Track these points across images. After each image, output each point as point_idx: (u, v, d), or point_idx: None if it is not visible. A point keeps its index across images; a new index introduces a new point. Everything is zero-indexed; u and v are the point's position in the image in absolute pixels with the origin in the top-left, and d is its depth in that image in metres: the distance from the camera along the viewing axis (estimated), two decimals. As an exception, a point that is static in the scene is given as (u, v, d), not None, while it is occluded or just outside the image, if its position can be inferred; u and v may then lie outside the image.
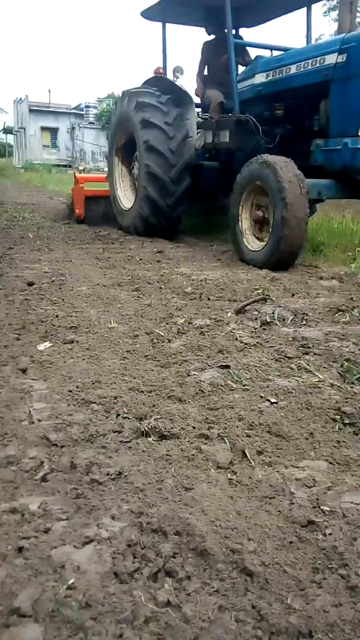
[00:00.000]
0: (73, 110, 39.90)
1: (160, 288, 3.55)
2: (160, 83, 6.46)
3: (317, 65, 4.67)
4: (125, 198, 6.83)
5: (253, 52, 6.29)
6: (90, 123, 38.37)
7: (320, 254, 5.17)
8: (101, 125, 36.51)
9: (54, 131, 39.65)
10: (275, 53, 5.80)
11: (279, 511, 1.23)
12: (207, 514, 1.19)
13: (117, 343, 2.40)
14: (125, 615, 0.95)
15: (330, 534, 1.15)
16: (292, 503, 1.25)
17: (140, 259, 4.66)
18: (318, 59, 4.67)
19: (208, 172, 6.11)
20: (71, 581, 1.01)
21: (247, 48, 6.37)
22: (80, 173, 8.69)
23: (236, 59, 5.63)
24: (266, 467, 1.44)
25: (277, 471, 1.40)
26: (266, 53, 5.96)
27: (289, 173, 4.17)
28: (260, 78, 5.43)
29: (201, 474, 1.38)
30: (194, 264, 4.50)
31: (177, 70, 6.50)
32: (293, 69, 4.96)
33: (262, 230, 4.59)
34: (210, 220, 7.11)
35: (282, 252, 4.22)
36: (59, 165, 32.10)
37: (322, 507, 1.24)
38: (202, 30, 6.80)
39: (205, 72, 6.76)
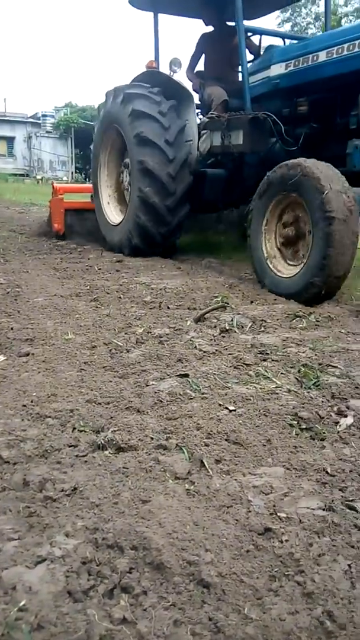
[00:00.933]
0: (30, 119, 39.47)
1: (119, 298, 3.53)
2: (153, 78, 5.58)
3: (357, 49, 3.81)
4: (113, 211, 6.02)
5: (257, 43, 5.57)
6: (47, 132, 38.05)
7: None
8: (59, 134, 36.26)
9: (10, 140, 39.07)
10: (288, 42, 5.20)
11: (237, 520, 1.22)
12: (164, 527, 1.17)
13: (74, 355, 2.36)
14: (78, 635, 0.92)
15: (286, 541, 1.15)
16: (249, 511, 1.25)
17: (99, 269, 4.62)
18: (358, 42, 3.81)
19: (212, 181, 5.32)
20: (22, 602, 0.97)
21: (252, 39, 5.44)
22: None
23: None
24: (224, 475, 1.43)
25: (235, 479, 1.40)
26: (274, 42, 5.34)
27: (334, 181, 3.33)
28: (277, 69, 4.60)
29: (159, 486, 1.36)
30: (154, 272, 4.49)
31: (175, 64, 5.55)
32: (322, 56, 4.10)
33: (294, 251, 3.72)
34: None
35: (325, 278, 3.31)
36: (15, 175, 31.63)
37: (278, 514, 1.24)
38: (190, 22, 6.25)
39: (201, 68, 6.03)
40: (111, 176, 6.12)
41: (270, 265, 3.80)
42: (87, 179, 32.44)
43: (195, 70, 6.03)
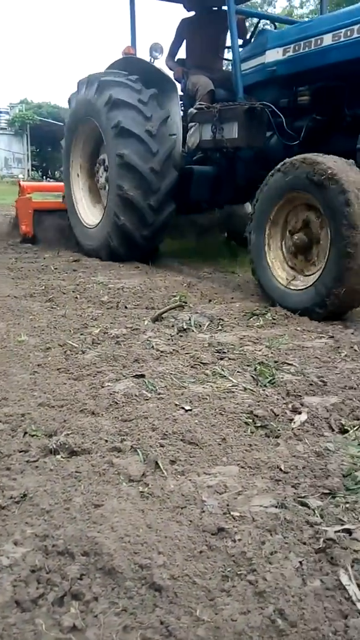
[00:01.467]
0: (-17, 116, 38.50)
1: (76, 298, 3.48)
2: (131, 66, 5.12)
3: None
4: (88, 212, 5.54)
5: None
6: (2, 129, 37.21)
7: (236, 259, 5.28)
8: (14, 131, 35.52)
9: None
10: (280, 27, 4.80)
11: (190, 521, 1.22)
12: (116, 531, 1.16)
13: (27, 357, 2.31)
14: (26, 647, 0.89)
15: (239, 540, 1.15)
16: (203, 511, 1.25)
17: (56, 268, 4.55)
18: None
19: (199, 179, 4.91)
20: (-33, 617, 0.94)
21: (240, 23, 4.90)
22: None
23: (224, 36, 4.77)
24: (179, 476, 1.42)
25: (190, 480, 1.39)
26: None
27: (354, 179, 2.90)
28: (273, 55, 4.13)
29: (112, 489, 1.34)
30: (112, 272, 4.45)
31: (155, 49, 5.12)
32: (327, 40, 3.64)
33: (306, 260, 3.27)
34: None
35: (344, 289, 2.90)
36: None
37: (232, 513, 1.24)
38: (169, 6, 5.87)
39: (182, 56, 5.60)
40: (85, 174, 5.68)
41: (275, 276, 3.35)
42: (45, 177, 31.92)
43: (176, 58, 5.60)
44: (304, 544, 1.14)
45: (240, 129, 4.04)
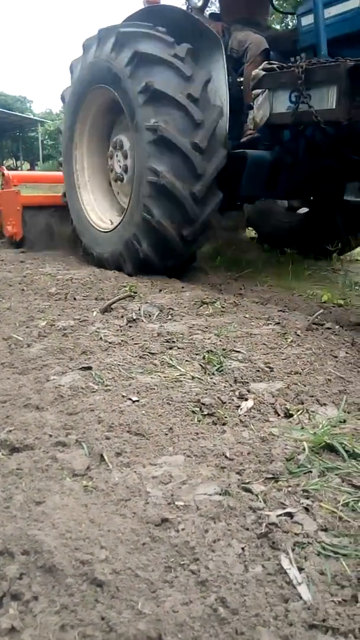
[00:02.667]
0: None
1: (22, 290, 3.40)
2: (157, 17, 3.94)
3: None
4: (99, 211, 4.43)
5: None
6: None
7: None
8: None
9: None
10: None
11: (134, 513, 1.20)
12: (58, 527, 1.13)
13: (-30, 352, 2.23)
14: None
15: (183, 530, 1.14)
16: (147, 502, 1.24)
17: (2, 260, 4.43)
18: None
19: (254, 168, 3.72)
20: None
21: None
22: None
23: None
24: (124, 468, 1.41)
25: (135, 471, 1.38)
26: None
27: None
28: None
29: (54, 485, 1.31)
30: (60, 263, 4.36)
31: None
32: None
33: None
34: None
35: None
36: None
37: (176, 503, 1.23)
38: None
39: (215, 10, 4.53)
40: (93, 162, 4.52)
41: None
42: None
43: (208, 12, 4.58)
44: (247, 529, 1.15)
45: (342, 96, 2.84)
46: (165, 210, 3.57)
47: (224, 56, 3.74)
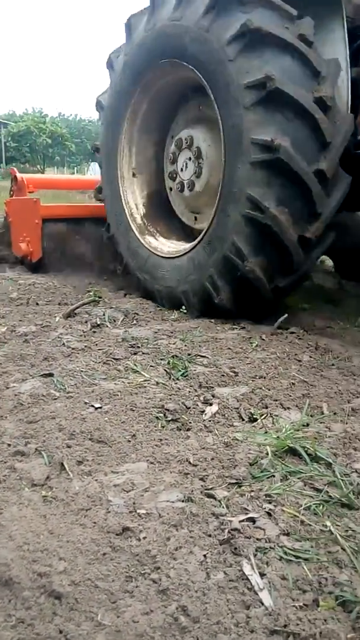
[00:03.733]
0: None
1: (-17, 295, 3.32)
2: None
3: None
4: (154, 229, 3.49)
5: None
6: None
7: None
8: None
9: None
10: None
11: (94, 522, 1.18)
12: (15, 539, 1.10)
13: None
14: None
15: (144, 538, 1.12)
16: (108, 511, 1.21)
17: None
18: None
19: None
20: None
21: None
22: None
23: None
24: (85, 477, 1.38)
25: (96, 480, 1.35)
26: None
27: None
28: None
29: (12, 496, 1.27)
30: (22, 266, 4.28)
31: None
32: None
33: None
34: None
35: None
36: None
37: (138, 511, 1.22)
38: None
39: None
40: (146, 164, 3.49)
41: None
42: None
43: None
44: (209, 536, 1.14)
45: None
46: (263, 256, 2.67)
47: (345, 24, 2.69)
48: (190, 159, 3.17)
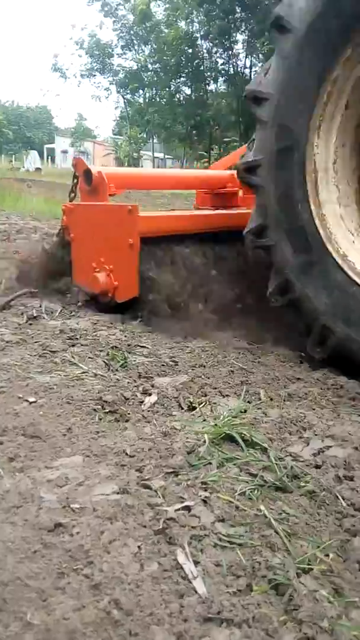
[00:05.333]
0: None
1: None
2: None
3: None
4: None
5: None
6: None
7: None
8: None
9: None
10: None
11: (25, 520, 1.14)
12: None
13: None
14: None
15: (77, 533, 1.10)
16: (40, 508, 1.18)
17: None
18: None
19: None
20: None
21: None
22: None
23: None
24: (17, 474, 1.33)
25: (28, 476, 1.31)
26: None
27: None
28: None
29: None
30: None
31: None
32: None
33: None
34: None
35: None
36: None
37: (71, 506, 1.18)
38: None
39: None
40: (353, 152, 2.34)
41: None
42: None
43: None
44: (145, 527, 1.13)
45: None
46: None
47: None
48: None
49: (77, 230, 2.99)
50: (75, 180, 3.09)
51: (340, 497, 1.27)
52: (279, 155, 2.21)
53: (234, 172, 3.35)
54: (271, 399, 1.88)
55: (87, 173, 3.00)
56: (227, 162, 3.95)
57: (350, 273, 2.11)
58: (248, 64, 34.50)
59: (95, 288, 2.78)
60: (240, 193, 3.65)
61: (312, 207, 2.20)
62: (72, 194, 3.19)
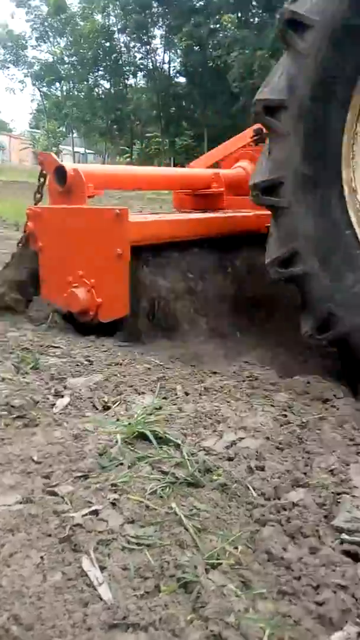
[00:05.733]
0: None
1: None
2: None
3: None
4: None
5: None
6: None
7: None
8: None
9: None
10: None
11: None
12: None
13: None
14: None
15: (-24, 549, 1.03)
16: None
17: None
18: None
19: None
20: None
21: None
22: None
23: None
24: None
25: None
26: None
27: None
28: None
29: None
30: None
31: None
32: None
33: None
34: None
35: None
36: None
37: (-30, 521, 1.12)
38: None
39: None
40: None
41: None
42: None
43: None
44: (49, 536, 1.08)
45: None
46: None
47: None
48: None
49: (47, 238, 2.59)
50: (43, 180, 2.73)
51: (251, 488, 1.28)
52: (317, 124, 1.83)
53: (217, 170, 3.30)
54: (187, 394, 1.88)
55: (60, 171, 2.59)
56: (208, 160, 3.70)
57: None
58: (167, 59, 34.70)
59: (73, 306, 2.42)
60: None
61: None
62: (39, 195, 2.79)
